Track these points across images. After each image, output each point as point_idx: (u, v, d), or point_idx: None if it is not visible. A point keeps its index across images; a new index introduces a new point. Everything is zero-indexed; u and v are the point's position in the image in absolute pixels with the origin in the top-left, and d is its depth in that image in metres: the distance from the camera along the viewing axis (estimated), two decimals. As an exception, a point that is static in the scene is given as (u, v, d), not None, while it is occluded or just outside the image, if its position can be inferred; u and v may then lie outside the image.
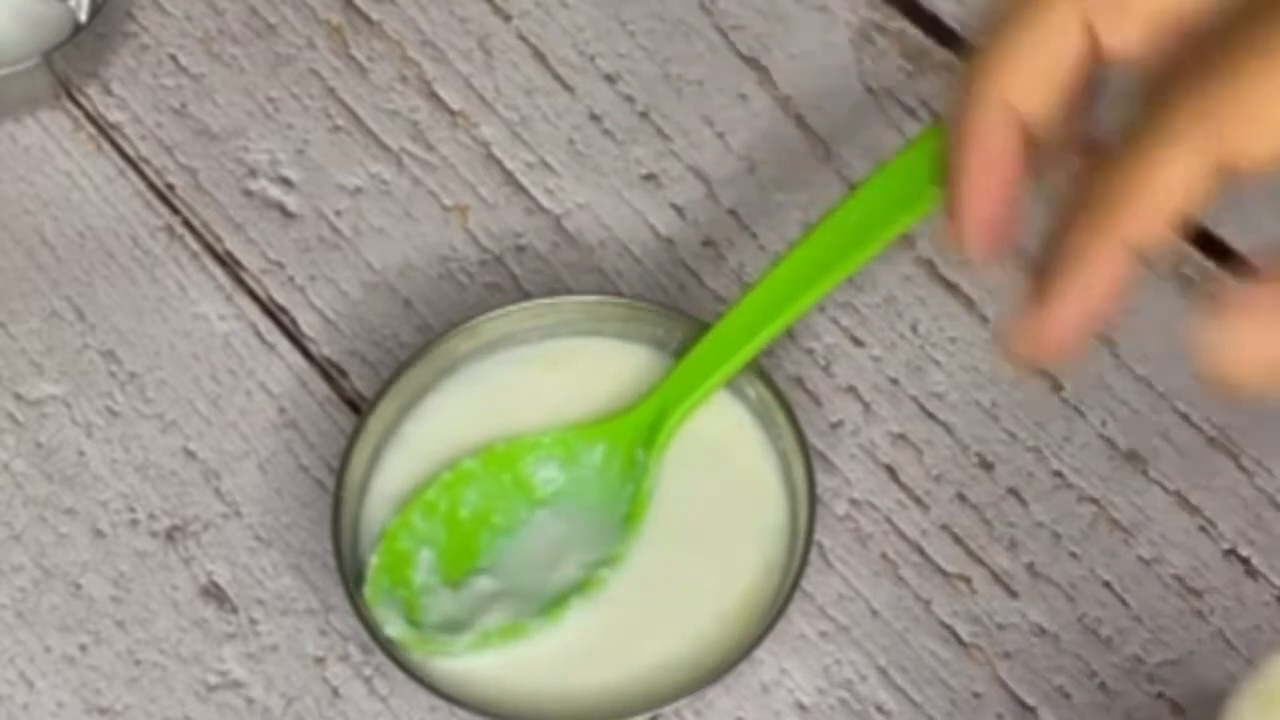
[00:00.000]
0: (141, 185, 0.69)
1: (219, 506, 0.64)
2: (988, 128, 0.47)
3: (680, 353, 0.63)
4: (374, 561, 0.60)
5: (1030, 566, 0.62)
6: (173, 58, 0.71)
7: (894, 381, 0.65)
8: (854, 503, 0.63)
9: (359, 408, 0.65)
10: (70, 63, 0.69)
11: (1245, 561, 0.62)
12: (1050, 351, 0.46)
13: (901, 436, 0.64)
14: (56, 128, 0.70)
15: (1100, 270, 0.44)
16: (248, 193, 0.69)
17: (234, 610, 0.62)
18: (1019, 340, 0.46)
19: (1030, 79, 0.46)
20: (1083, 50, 0.46)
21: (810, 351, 0.66)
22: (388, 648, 0.59)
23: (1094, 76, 0.47)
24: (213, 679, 0.61)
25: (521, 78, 0.70)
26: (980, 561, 0.62)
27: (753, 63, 0.71)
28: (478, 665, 0.60)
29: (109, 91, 0.70)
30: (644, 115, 0.70)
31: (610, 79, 0.70)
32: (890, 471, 0.64)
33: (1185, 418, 0.64)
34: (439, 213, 0.68)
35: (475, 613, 0.60)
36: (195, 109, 0.70)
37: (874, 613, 0.62)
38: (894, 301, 0.66)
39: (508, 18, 0.71)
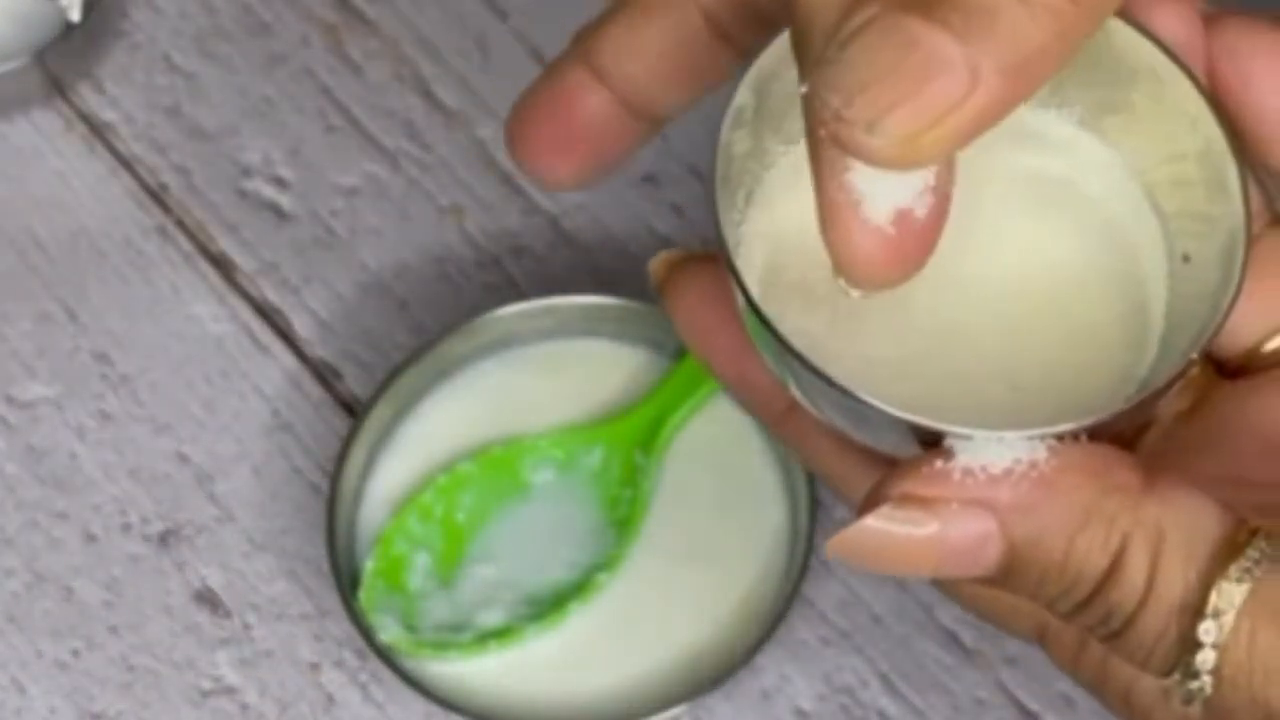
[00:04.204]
0: (134, 185, 0.68)
1: (212, 510, 0.63)
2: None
3: (679, 355, 0.62)
4: (369, 566, 0.60)
5: (1033, 571, 0.62)
6: (166, 57, 0.70)
7: (895, 384, 0.65)
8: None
9: (354, 410, 0.64)
10: (62, 61, 0.69)
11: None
12: None
13: (903, 439, 0.64)
14: (48, 127, 0.69)
15: None
16: (241, 193, 0.68)
17: (228, 615, 0.62)
18: None
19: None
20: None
21: (810, 353, 0.65)
22: (383, 653, 0.59)
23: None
24: (206, 684, 0.61)
25: (519, 76, 0.70)
26: (983, 566, 0.62)
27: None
28: (474, 670, 0.60)
29: (101, 90, 0.70)
30: (642, 114, 0.69)
31: (608, 78, 0.70)
32: (891, 475, 0.63)
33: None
34: (435, 213, 0.68)
35: (472, 613, 0.60)
36: (188, 108, 0.69)
37: (875, 618, 0.61)
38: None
39: (504, 16, 0.71)
